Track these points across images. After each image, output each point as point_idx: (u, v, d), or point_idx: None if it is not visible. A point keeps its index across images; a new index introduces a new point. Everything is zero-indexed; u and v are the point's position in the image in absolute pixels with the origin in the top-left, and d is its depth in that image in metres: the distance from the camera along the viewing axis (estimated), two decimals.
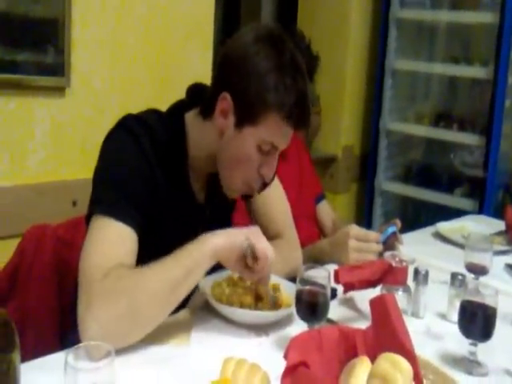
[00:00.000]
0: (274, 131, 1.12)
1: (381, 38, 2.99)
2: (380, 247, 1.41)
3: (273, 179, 1.35)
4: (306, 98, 1.13)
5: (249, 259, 1.05)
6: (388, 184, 3.09)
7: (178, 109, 1.23)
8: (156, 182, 1.14)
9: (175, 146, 1.18)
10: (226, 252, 1.04)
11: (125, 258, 1.03)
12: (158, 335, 1.02)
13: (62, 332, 1.35)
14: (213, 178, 1.23)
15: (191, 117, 1.21)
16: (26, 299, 1.33)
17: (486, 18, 2.68)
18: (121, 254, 1.03)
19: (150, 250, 1.05)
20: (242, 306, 1.13)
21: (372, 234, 1.44)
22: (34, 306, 1.33)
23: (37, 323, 1.32)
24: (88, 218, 1.10)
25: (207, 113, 1.17)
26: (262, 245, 1.06)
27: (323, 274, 1.05)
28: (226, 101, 1.12)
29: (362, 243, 1.41)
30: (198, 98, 1.21)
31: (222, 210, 1.32)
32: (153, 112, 1.23)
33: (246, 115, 1.11)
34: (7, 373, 0.56)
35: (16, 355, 0.58)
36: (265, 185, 1.21)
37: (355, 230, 1.43)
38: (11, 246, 1.37)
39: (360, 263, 1.26)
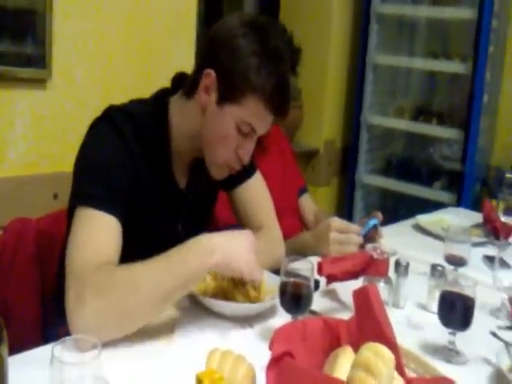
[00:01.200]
0: (253, 113, 1.14)
1: (362, 33, 3.01)
2: (360, 239, 1.43)
3: (252, 174, 1.38)
4: (287, 85, 1.16)
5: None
6: (369, 177, 3.13)
7: (162, 94, 1.25)
8: (138, 171, 1.15)
9: (158, 131, 1.20)
10: (224, 269, 1.07)
11: (111, 248, 1.03)
12: (142, 328, 1.03)
13: (43, 325, 1.34)
14: (196, 164, 1.25)
15: (174, 100, 1.24)
16: (8, 292, 1.32)
17: (464, 13, 2.72)
18: (107, 245, 1.03)
19: (133, 237, 1.08)
20: (226, 298, 1.14)
21: (353, 227, 1.46)
22: (15, 299, 1.32)
23: (19, 316, 1.31)
24: (70, 210, 1.10)
25: (190, 91, 1.19)
26: (254, 274, 1.09)
27: (307, 266, 1.06)
28: (209, 77, 1.14)
29: (343, 235, 1.42)
30: (182, 83, 1.23)
31: (203, 198, 1.33)
32: (136, 101, 1.25)
33: (228, 93, 1.14)
34: None
35: (4, 349, 0.58)
36: (243, 167, 1.24)
37: (336, 222, 1.45)
38: None
39: (342, 255, 1.28)
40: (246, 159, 1.21)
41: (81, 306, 0.95)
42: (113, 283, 0.98)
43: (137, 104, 1.23)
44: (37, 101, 1.82)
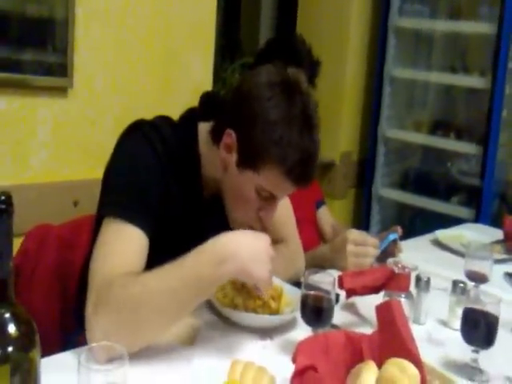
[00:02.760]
0: (273, 183, 1.10)
1: (379, 46, 3.02)
2: (378, 252, 1.42)
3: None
4: (310, 156, 1.09)
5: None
6: (385, 191, 3.11)
7: (191, 118, 1.22)
8: (169, 189, 1.14)
9: (188, 155, 1.17)
10: (235, 277, 1.05)
11: (135, 263, 1.02)
12: (163, 338, 1.03)
13: (64, 332, 1.35)
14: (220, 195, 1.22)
15: (203, 130, 1.20)
16: (29, 299, 1.33)
17: (483, 28, 2.71)
18: (132, 259, 1.02)
19: (158, 255, 1.04)
20: (246, 309, 1.14)
21: (370, 239, 1.45)
22: (36, 305, 1.33)
23: (39, 323, 1.31)
24: (98, 219, 1.10)
25: (215, 139, 1.15)
26: (266, 283, 1.04)
27: (328, 280, 1.06)
28: (230, 137, 1.11)
29: (359, 247, 1.41)
30: (210, 108, 1.20)
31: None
32: (164, 119, 1.22)
33: (248, 160, 1.09)
34: (29, 371, 0.57)
35: (37, 353, 0.59)
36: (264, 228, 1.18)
37: (354, 234, 1.44)
38: (13, 245, 1.36)
39: (363, 269, 1.27)
40: (268, 223, 1.17)
41: (97, 317, 0.95)
42: (125, 297, 0.96)
43: (166, 124, 1.19)
44: (58, 109, 1.84)
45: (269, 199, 1.13)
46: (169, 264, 0.98)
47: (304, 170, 1.09)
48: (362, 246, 1.42)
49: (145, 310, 0.96)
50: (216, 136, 1.15)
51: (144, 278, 0.98)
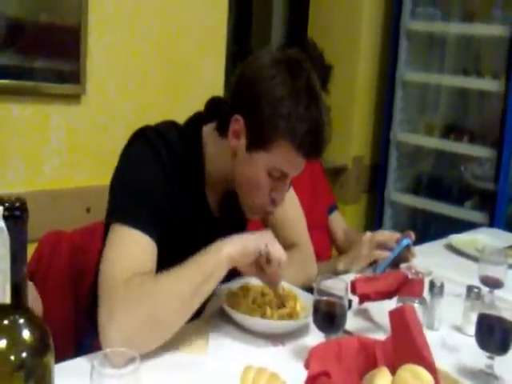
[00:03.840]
0: (284, 159, 1.10)
1: (391, 50, 3.01)
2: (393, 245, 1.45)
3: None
4: (318, 127, 1.10)
5: (263, 262, 1.07)
6: (398, 195, 3.09)
7: (196, 121, 1.23)
8: (174, 194, 1.14)
9: (192, 159, 1.18)
10: (240, 258, 1.05)
11: (145, 268, 1.03)
12: (175, 344, 1.04)
13: (77, 338, 1.35)
14: (228, 193, 1.23)
15: (208, 131, 1.21)
16: (42, 304, 1.33)
17: (497, 30, 2.69)
18: (141, 263, 1.03)
19: (167, 262, 1.05)
20: (258, 314, 1.14)
21: (385, 232, 1.49)
22: (49, 311, 1.33)
23: (53, 329, 1.32)
24: (106, 227, 1.10)
25: (222, 131, 1.17)
26: (275, 247, 1.06)
27: (341, 285, 1.05)
28: (238, 123, 1.12)
29: (374, 251, 1.44)
30: (216, 111, 1.21)
31: (236, 223, 1.31)
32: (170, 124, 1.23)
33: (257, 140, 1.10)
34: (44, 377, 0.57)
35: (51, 359, 0.59)
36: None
37: (367, 238, 1.47)
38: (27, 251, 1.38)
39: (376, 275, 1.27)
40: (280, 202, 1.18)
41: (112, 323, 0.96)
42: (141, 294, 0.98)
43: (171, 129, 1.20)
44: (71, 116, 1.85)
45: (280, 179, 1.14)
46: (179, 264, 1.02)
47: (314, 141, 1.11)
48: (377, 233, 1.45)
49: (160, 302, 0.98)
50: (223, 127, 1.16)
51: (158, 275, 1.02)
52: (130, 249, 1.04)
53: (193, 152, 1.19)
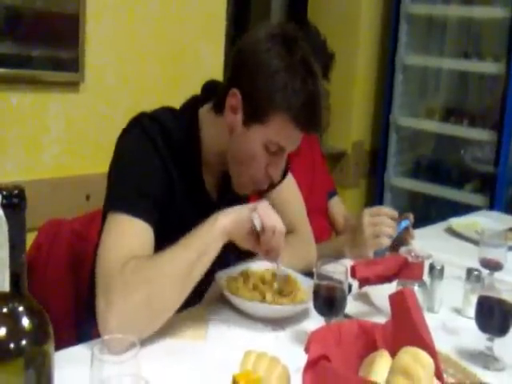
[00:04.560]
0: (280, 132, 1.11)
1: (392, 33, 2.99)
2: (393, 223, 1.42)
3: (284, 177, 1.35)
4: (315, 100, 1.11)
5: (258, 232, 1.06)
6: (398, 179, 3.09)
7: (192, 104, 1.24)
8: (171, 180, 1.15)
9: (189, 143, 1.19)
10: (235, 229, 1.05)
11: (142, 254, 1.03)
12: (175, 330, 1.04)
13: (78, 325, 1.36)
14: (226, 176, 1.23)
15: (204, 112, 1.22)
16: (42, 293, 1.34)
17: (497, 12, 2.67)
18: (138, 250, 1.03)
19: (164, 247, 1.06)
20: (258, 299, 1.14)
21: (384, 208, 1.46)
22: (50, 299, 1.34)
23: (53, 317, 1.33)
24: (105, 214, 1.11)
25: (219, 108, 1.17)
26: (268, 215, 1.06)
27: (341, 269, 1.06)
28: (235, 97, 1.12)
29: (376, 217, 1.42)
30: (212, 93, 1.21)
31: (234, 200, 1.32)
32: (166, 109, 1.23)
33: (254, 114, 1.11)
34: (43, 365, 0.57)
35: (51, 346, 0.59)
36: (272, 185, 1.21)
37: (368, 209, 1.46)
38: (27, 239, 1.38)
39: (376, 259, 1.27)
40: (276, 177, 1.18)
41: (110, 309, 0.96)
42: (138, 276, 0.98)
43: (167, 114, 1.20)
44: (70, 104, 1.84)
45: (277, 154, 1.14)
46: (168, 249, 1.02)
47: (310, 114, 1.11)
48: (377, 216, 1.42)
49: (157, 281, 0.99)
50: (220, 105, 1.16)
51: (154, 255, 1.03)
52: (127, 236, 1.04)
53: (189, 134, 1.19)
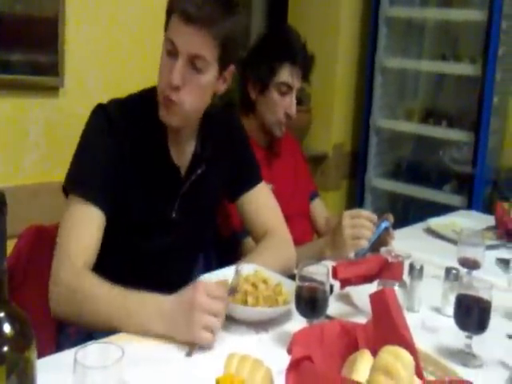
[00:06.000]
0: (173, 30, 1.19)
1: (371, 36, 3.01)
2: (371, 225, 1.45)
3: (256, 183, 1.43)
4: None
5: None
6: (378, 181, 3.12)
7: None
8: (130, 156, 1.22)
9: (149, 108, 1.24)
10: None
11: (92, 239, 1.16)
12: (158, 335, 1.04)
13: (58, 331, 1.35)
14: (198, 159, 1.30)
15: None
16: (23, 300, 1.32)
17: (474, 15, 2.71)
18: (89, 236, 1.16)
19: (126, 222, 1.22)
20: (242, 302, 1.15)
21: (364, 211, 1.50)
22: (30, 306, 1.32)
23: (34, 324, 1.32)
24: (64, 189, 1.24)
25: None
26: (202, 336, 1.01)
27: (322, 271, 1.07)
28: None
29: (355, 219, 1.46)
30: None
31: (202, 187, 1.33)
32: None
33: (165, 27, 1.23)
34: (25, 371, 0.57)
35: (33, 353, 0.59)
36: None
37: (348, 212, 1.49)
38: (7, 247, 1.37)
39: (357, 260, 1.28)
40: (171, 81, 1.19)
41: (52, 288, 1.13)
42: (76, 301, 1.09)
43: (131, 94, 1.31)
44: (50, 108, 1.83)
45: (172, 54, 1.19)
46: (118, 289, 1.07)
47: (188, 2, 1.16)
48: (356, 218, 1.45)
49: (91, 314, 1.08)
50: None
51: (92, 288, 1.09)
52: (80, 222, 1.16)
53: (149, 100, 1.25)
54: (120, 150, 1.21)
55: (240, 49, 1.29)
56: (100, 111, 1.24)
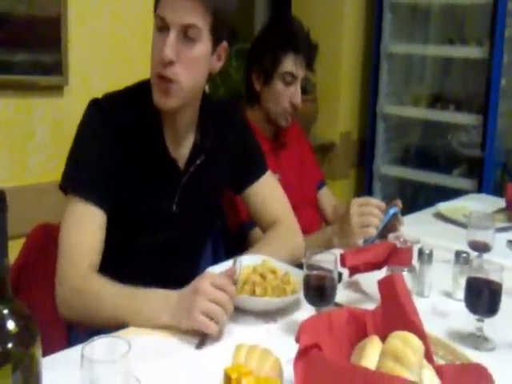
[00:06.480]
0: (162, 4, 1.16)
1: (376, 22, 2.99)
2: (379, 213, 1.44)
3: (262, 174, 1.42)
4: None
5: None
6: (386, 168, 3.10)
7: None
8: (128, 150, 1.20)
9: (144, 99, 1.22)
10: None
11: (95, 239, 1.15)
12: (165, 327, 1.04)
13: (68, 328, 1.36)
14: (197, 150, 1.27)
15: None
16: (32, 298, 1.34)
17: None
18: (91, 236, 1.14)
19: (126, 216, 1.20)
20: (250, 293, 1.15)
21: (373, 199, 1.48)
22: (39, 304, 1.34)
23: (43, 322, 1.32)
24: (61, 187, 1.22)
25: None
26: (204, 324, 1.01)
27: (330, 259, 1.06)
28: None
29: (363, 207, 1.44)
30: None
31: (202, 179, 1.31)
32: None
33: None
34: (30, 368, 0.57)
35: (38, 350, 0.59)
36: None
37: (356, 199, 1.48)
38: (14, 246, 1.37)
39: (365, 246, 1.28)
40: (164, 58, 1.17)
41: (57, 292, 1.13)
42: (82, 304, 1.10)
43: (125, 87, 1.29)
44: (55, 108, 1.83)
45: (161, 31, 1.17)
46: (126, 288, 1.07)
47: None
48: (365, 206, 1.44)
49: (98, 314, 1.08)
50: None
51: (100, 290, 1.09)
52: (81, 223, 1.15)
53: (144, 89, 1.23)
54: (115, 145, 1.19)
55: (231, 25, 1.25)
56: (93, 106, 1.23)
